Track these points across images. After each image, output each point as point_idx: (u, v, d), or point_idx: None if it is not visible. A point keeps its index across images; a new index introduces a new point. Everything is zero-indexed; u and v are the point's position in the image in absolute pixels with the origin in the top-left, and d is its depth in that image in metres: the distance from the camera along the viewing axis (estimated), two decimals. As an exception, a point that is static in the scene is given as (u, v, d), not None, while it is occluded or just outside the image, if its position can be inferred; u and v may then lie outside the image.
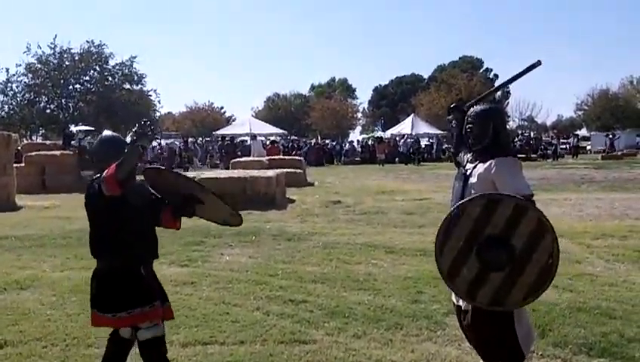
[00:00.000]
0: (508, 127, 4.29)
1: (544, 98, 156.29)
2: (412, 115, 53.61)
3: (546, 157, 44.27)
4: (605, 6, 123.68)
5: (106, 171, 3.64)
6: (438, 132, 49.84)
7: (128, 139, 3.71)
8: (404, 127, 50.97)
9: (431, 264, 7.73)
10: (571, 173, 26.19)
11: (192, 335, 5.34)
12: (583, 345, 4.98)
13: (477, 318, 3.73)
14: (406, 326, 5.53)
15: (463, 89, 59.52)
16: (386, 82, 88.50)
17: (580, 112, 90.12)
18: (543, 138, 57.24)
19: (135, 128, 3.68)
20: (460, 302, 3.91)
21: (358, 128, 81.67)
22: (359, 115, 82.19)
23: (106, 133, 4.28)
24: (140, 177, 4.09)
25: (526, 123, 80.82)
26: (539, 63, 4.13)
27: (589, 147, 59.68)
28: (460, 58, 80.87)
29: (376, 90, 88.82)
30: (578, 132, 76.88)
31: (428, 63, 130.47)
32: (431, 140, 47.85)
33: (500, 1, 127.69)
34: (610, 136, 52.58)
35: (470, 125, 3.99)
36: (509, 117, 79.81)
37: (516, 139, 48.85)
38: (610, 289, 6.63)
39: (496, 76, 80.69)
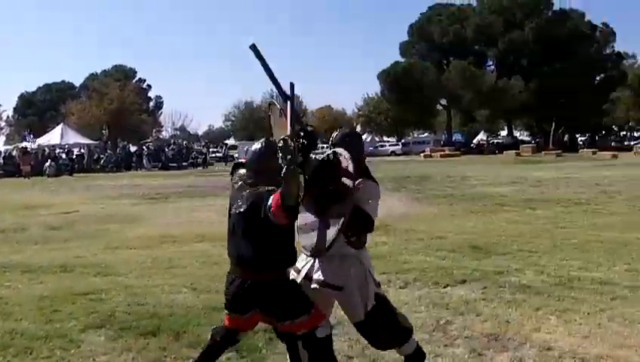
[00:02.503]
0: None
1: (196, 109, 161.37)
2: (61, 124, 50.85)
3: (196, 166, 45.95)
4: (244, 20, 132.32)
5: (271, 200, 3.56)
6: (90, 142, 48.27)
7: None
8: (53, 136, 48.18)
9: (70, 279, 7.51)
10: (219, 180, 27.43)
11: None
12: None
13: (369, 317, 4.10)
14: (36, 350, 5.19)
15: (115, 98, 58.43)
16: (34, 89, 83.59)
17: (228, 123, 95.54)
18: (195, 147, 59.21)
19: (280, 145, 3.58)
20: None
21: (2, 138, 75.19)
22: (2, 123, 75.75)
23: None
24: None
25: (179, 132, 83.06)
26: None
27: (236, 155, 63.59)
28: (113, 67, 79.63)
29: (22, 97, 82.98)
30: (227, 141, 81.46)
31: (80, 71, 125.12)
32: (82, 150, 46.11)
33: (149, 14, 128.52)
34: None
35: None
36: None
37: (167, 149, 49.76)
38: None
39: (149, 86, 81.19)
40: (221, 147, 62.14)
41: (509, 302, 6.15)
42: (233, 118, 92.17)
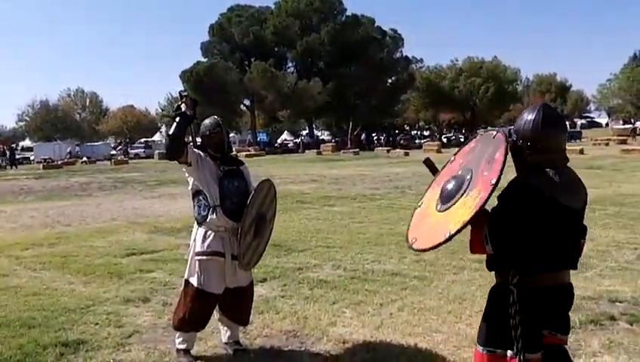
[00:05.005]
0: None
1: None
2: None
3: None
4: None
5: None
6: None
7: None
8: None
9: None
10: (12, 185, 25.74)
11: None
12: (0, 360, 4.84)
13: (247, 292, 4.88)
14: None
15: None
16: None
17: (22, 123, 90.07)
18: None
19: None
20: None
21: None
22: None
23: None
24: None
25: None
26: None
27: (32, 157, 60.20)
28: None
29: None
30: (22, 143, 76.43)
31: None
32: None
33: None
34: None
35: None
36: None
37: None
38: (33, 298, 6.59)
39: None
40: (11, 149, 57.58)
41: (308, 298, 6.32)
42: (28, 118, 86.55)
